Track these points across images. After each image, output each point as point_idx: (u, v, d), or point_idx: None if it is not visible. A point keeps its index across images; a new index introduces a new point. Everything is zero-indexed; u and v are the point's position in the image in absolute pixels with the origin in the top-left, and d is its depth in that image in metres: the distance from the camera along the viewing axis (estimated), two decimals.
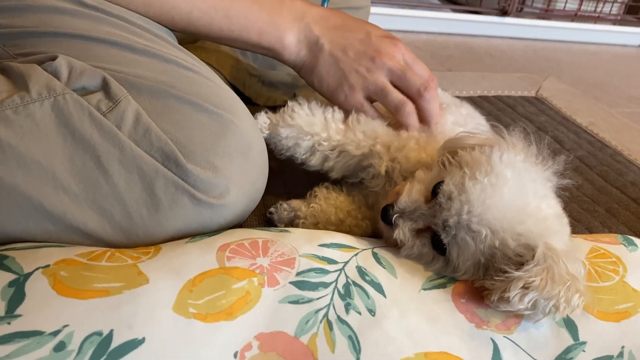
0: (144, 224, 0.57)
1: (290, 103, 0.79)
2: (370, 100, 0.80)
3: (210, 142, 0.59)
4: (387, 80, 0.78)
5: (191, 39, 1.09)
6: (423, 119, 0.77)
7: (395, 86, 0.78)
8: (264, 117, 0.82)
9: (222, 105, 0.62)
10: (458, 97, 0.99)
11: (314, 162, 0.77)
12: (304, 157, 0.77)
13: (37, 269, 0.49)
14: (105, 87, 0.58)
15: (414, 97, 0.77)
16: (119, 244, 0.57)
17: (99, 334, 0.44)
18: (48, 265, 0.49)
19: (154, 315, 0.46)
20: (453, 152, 0.65)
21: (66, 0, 0.64)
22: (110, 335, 0.44)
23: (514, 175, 0.58)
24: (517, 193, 0.57)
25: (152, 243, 0.58)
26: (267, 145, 0.75)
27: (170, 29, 0.73)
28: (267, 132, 0.79)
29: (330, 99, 0.81)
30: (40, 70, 0.57)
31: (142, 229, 0.57)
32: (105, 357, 0.43)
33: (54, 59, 0.58)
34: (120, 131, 0.56)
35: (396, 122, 0.78)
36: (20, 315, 0.44)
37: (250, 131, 0.64)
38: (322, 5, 0.98)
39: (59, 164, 0.54)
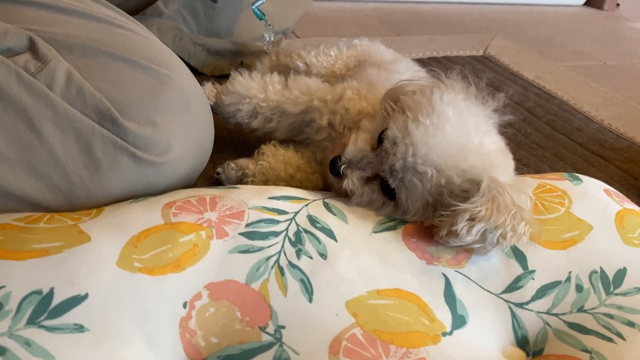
0: (85, 185, 0.55)
1: (232, 73, 0.81)
2: None
3: (147, 98, 0.57)
4: None
5: (130, 8, 1.06)
6: None
7: None
8: (210, 87, 0.87)
9: (157, 60, 0.60)
10: None
11: (256, 124, 0.79)
12: (246, 120, 0.79)
13: None
14: (32, 48, 0.55)
15: None
16: (60, 208, 0.55)
17: (39, 292, 0.42)
18: None
19: (97, 271, 0.45)
20: (395, 100, 0.65)
21: None
22: (50, 293, 0.42)
23: (455, 114, 0.58)
24: (459, 131, 0.58)
25: (96, 206, 0.56)
26: (215, 114, 0.75)
27: None
28: (213, 100, 0.82)
29: None
30: None
31: (82, 191, 0.55)
32: (46, 314, 0.41)
33: None
34: (51, 91, 0.54)
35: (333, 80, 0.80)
36: None
37: (189, 86, 0.62)
38: None
39: None
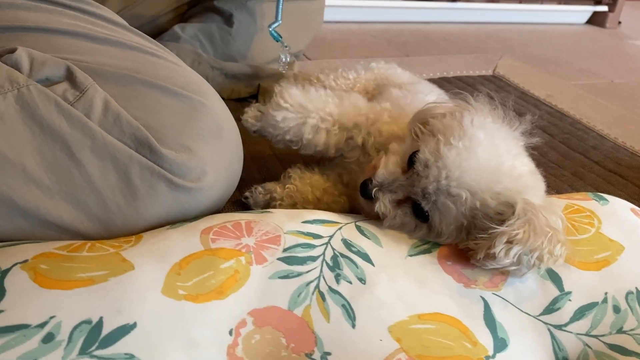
0: (122, 213, 0.55)
1: (277, 88, 0.74)
2: None
3: (182, 125, 0.58)
4: None
5: (151, 32, 1.07)
6: None
7: None
8: (254, 111, 0.77)
9: (189, 87, 0.61)
10: None
11: (318, 140, 0.73)
12: (309, 136, 0.73)
13: (14, 264, 0.47)
14: (70, 77, 0.56)
15: None
16: (97, 236, 0.55)
17: (88, 322, 0.42)
18: (26, 260, 0.47)
19: (143, 299, 0.45)
20: (424, 122, 0.65)
21: None
22: (100, 323, 0.42)
23: (486, 137, 0.59)
24: (491, 153, 0.58)
25: (132, 233, 0.57)
26: (262, 135, 0.73)
27: None
28: (258, 123, 0.75)
29: None
30: (0, 63, 0.55)
31: (120, 218, 0.55)
32: (97, 344, 0.41)
33: (13, 51, 0.56)
34: (89, 120, 0.54)
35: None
36: (2, 311, 0.42)
37: (220, 112, 0.63)
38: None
39: (28, 156, 0.52)
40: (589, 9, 2.63)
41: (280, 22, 0.99)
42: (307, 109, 0.72)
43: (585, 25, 2.64)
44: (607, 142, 1.20)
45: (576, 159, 1.09)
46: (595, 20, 2.65)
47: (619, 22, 2.66)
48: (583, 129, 1.26)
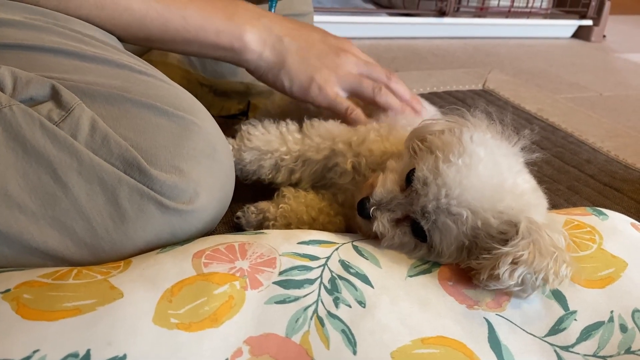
0: (110, 237, 0.53)
1: (244, 126, 0.77)
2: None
3: (174, 145, 0.56)
4: (356, 72, 0.79)
5: (140, 51, 1.05)
6: (399, 98, 0.81)
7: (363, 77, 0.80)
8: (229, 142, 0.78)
9: (181, 106, 0.59)
10: None
11: (281, 178, 0.76)
12: (269, 176, 0.76)
13: None
14: (55, 96, 0.54)
15: (384, 82, 0.80)
16: (84, 261, 0.53)
17: (75, 355, 0.40)
18: (8, 290, 0.45)
19: (134, 330, 0.42)
20: (422, 139, 0.64)
21: (9, 13, 0.59)
22: (87, 355, 0.40)
23: (486, 153, 0.57)
24: (493, 170, 0.57)
25: (120, 258, 0.54)
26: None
27: (122, 38, 0.69)
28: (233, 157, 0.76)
29: (301, 98, 0.80)
30: None
31: (108, 243, 0.53)
32: None
33: None
34: (76, 140, 0.52)
35: (349, 121, 0.79)
36: None
37: (213, 132, 0.61)
38: (270, 7, 0.97)
39: (12, 180, 0.50)
40: (574, 23, 2.66)
41: None
42: (265, 150, 0.74)
43: (571, 39, 2.67)
44: (601, 156, 1.19)
45: (571, 173, 1.08)
46: (581, 34, 2.68)
47: (604, 36, 2.69)
48: (576, 142, 1.25)
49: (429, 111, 0.86)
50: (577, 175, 1.07)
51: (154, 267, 0.50)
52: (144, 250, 0.55)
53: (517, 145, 0.63)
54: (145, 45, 0.76)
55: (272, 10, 0.97)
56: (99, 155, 0.53)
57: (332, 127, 0.75)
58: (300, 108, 0.94)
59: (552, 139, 1.26)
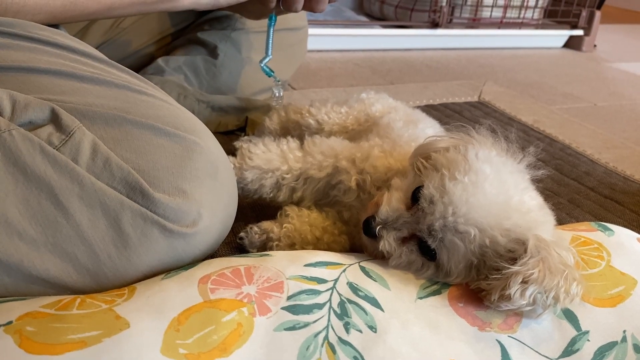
0: (113, 263, 0.52)
1: (244, 144, 0.77)
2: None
3: (176, 166, 0.55)
4: None
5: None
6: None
7: None
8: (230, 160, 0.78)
9: (182, 126, 0.58)
10: None
11: (282, 197, 0.75)
12: (271, 195, 0.75)
13: None
14: (55, 119, 0.53)
15: None
16: (87, 289, 0.52)
17: None
18: (10, 322, 0.43)
19: None
20: (426, 157, 0.63)
21: None
22: None
23: (492, 171, 0.57)
24: (499, 188, 0.56)
25: (123, 284, 0.53)
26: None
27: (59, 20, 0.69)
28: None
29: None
30: None
31: (111, 269, 0.52)
32: None
33: None
34: (77, 165, 0.51)
35: (355, 135, 0.78)
36: None
37: (215, 151, 0.60)
38: (269, 26, 0.96)
39: (11, 206, 0.48)
40: (565, 33, 2.67)
41: (271, 57, 0.96)
42: (266, 169, 0.73)
43: (562, 49, 2.68)
44: (599, 167, 1.19)
45: (571, 186, 1.08)
46: (572, 44, 2.69)
47: (595, 46, 2.71)
48: (573, 154, 1.25)
49: (427, 122, 0.86)
50: (577, 188, 1.07)
51: (160, 295, 0.49)
52: (148, 275, 0.54)
53: (523, 162, 0.62)
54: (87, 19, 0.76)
55: (272, 27, 0.96)
56: (100, 179, 0.51)
57: (335, 143, 0.75)
58: (301, 125, 0.93)
59: (550, 151, 1.25)
